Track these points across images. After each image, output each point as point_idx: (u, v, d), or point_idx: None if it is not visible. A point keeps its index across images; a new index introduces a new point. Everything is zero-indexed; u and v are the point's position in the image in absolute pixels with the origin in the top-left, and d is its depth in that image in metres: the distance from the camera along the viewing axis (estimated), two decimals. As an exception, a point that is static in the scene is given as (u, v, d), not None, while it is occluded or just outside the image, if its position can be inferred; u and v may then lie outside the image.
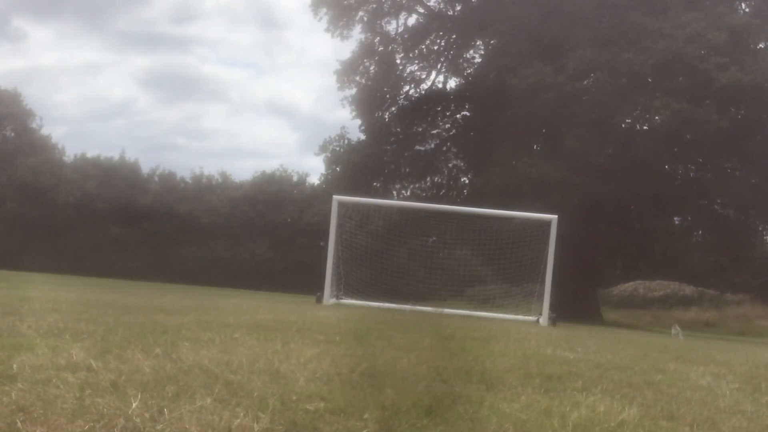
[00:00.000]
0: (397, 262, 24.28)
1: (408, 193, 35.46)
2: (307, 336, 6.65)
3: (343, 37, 33.92)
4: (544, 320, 18.22)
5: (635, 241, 32.17)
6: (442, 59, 35.44)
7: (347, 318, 11.11)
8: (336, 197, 20.52)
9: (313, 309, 14.36)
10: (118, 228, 43.69)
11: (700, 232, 35.30)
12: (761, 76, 26.08)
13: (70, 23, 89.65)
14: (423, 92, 35.15)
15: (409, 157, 34.50)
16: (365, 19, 34.01)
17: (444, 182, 36.02)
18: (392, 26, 34.90)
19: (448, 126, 35.97)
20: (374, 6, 33.92)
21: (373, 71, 34.14)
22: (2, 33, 77.07)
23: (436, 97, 35.18)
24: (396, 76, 34.68)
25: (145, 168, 47.79)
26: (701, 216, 33.04)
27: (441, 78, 35.84)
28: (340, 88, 34.33)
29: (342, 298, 19.15)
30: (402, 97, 34.98)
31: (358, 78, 34.09)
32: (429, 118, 35.10)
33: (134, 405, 2.91)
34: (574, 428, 3.28)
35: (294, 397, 3.33)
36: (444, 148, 35.83)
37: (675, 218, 34.63)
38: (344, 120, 73.64)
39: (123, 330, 5.77)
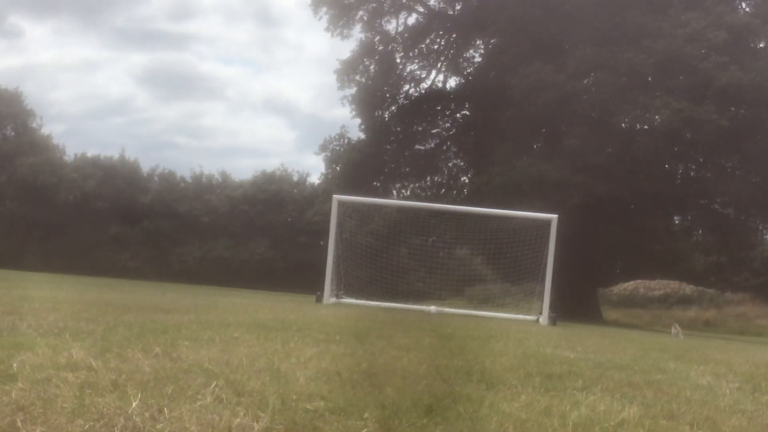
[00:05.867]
0: (397, 261, 24.30)
1: (408, 193, 35.49)
2: (307, 335, 6.65)
3: (343, 37, 33.96)
4: (544, 319, 18.22)
5: (635, 240, 32.17)
6: (442, 58, 35.43)
7: (347, 317, 11.12)
8: (336, 196, 20.53)
9: (313, 308, 14.37)
10: (118, 227, 43.73)
11: (700, 231, 35.32)
12: (761, 75, 26.08)
13: (67, 20, 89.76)
14: (423, 91, 35.16)
15: (409, 156, 34.51)
16: (365, 18, 34.01)
17: (444, 181, 36.04)
18: (392, 25, 34.94)
19: (448, 125, 35.98)
20: (374, 5, 33.91)
21: (373, 70, 34.13)
22: None
23: (436, 96, 35.19)
24: (396, 75, 34.68)
25: (145, 167, 47.88)
26: (701, 215, 33.04)
27: (441, 77, 35.90)
28: (340, 88, 34.36)
29: (342, 298, 19.16)
30: (402, 96, 34.97)
31: (358, 77, 34.08)
32: (429, 118, 35.10)
33: (134, 404, 2.91)
34: (574, 427, 3.28)
35: (294, 397, 3.33)
36: (444, 148, 35.84)
37: (675, 217, 34.65)
38: (343, 118, 73.75)
39: (123, 329, 5.77)
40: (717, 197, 31.44)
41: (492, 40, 33.61)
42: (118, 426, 2.66)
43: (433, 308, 18.03)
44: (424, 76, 35.39)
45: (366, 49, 34.12)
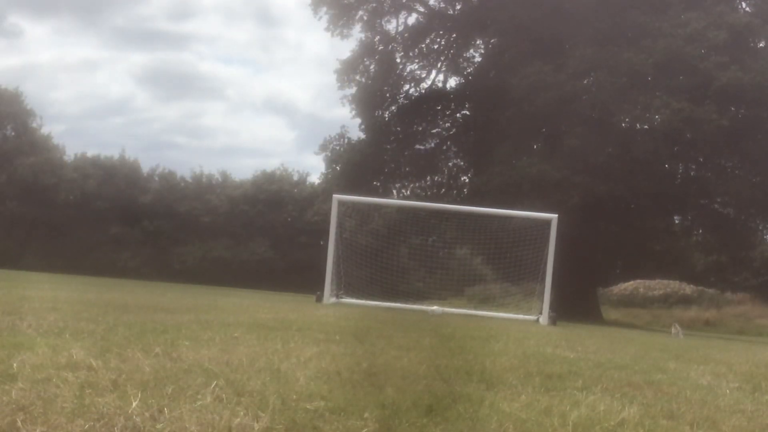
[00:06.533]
0: (397, 261, 24.31)
1: (408, 192, 35.45)
2: (307, 335, 6.65)
3: (343, 36, 33.93)
4: (544, 319, 18.22)
5: (635, 240, 32.15)
6: (442, 58, 35.42)
7: (347, 317, 11.12)
8: (336, 196, 20.53)
9: (313, 308, 14.37)
10: (118, 227, 43.75)
11: (700, 231, 35.30)
12: (761, 75, 26.07)
13: (67, 20, 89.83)
14: (423, 91, 35.13)
15: (409, 156, 34.48)
16: (365, 18, 33.99)
17: (444, 181, 36.00)
18: (392, 25, 34.91)
19: (448, 125, 35.96)
20: (374, 5, 33.89)
21: (373, 70, 34.11)
22: (-1, 30, 77.21)
23: (436, 96, 35.16)
24: (396, 75, 34.65)
25: (145, 167, 47.92)
26: (701, 215, 33.02)
27: (441, 77, 35.88)
28: (340, 87, 34.34)
29: (342, 297, 19.16)
30: (402, 96, 34.95)
31: (358, 77, 34.06)
32: (429, 117, 35.08)
33: (134, 404, 2.91)
34: (574, 427, 3.28)
35: (294, 396, 3.34)
36: (444, 147, 35.82)
37: (675, 217, 34.63)
38: (342, 118, 73.85)
39: (123, 329, 5.77)
40: (717, 197, 31.41)
41: (492, 40, 33.59)
42: (118, 426, 2.66)
43: (435, 308, 18.01)
44: (424, 76, 35.40)
45: (366, 49, 34.10)
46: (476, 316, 18.19)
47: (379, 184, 34.11)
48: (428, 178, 36.01)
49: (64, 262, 38.50)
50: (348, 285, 19.82)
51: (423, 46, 34.98)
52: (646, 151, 27.22)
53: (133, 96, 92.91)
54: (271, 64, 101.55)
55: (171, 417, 2.80)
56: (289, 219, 45.70)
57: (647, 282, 42.08)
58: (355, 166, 32.17)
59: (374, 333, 7.78)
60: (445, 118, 36.01)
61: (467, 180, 35.43)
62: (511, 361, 5.81)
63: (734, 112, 28.13)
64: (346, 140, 34.25)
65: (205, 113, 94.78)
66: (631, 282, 42.40)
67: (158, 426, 2.69)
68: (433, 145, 35.43)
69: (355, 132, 34.74)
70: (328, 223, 20.25)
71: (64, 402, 2.90)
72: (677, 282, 41.54)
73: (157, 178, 47.71)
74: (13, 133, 47.49)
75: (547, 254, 19.21)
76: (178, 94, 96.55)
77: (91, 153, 47.60)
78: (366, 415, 3.08)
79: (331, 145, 34.16)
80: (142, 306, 9.76)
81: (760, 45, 29.37)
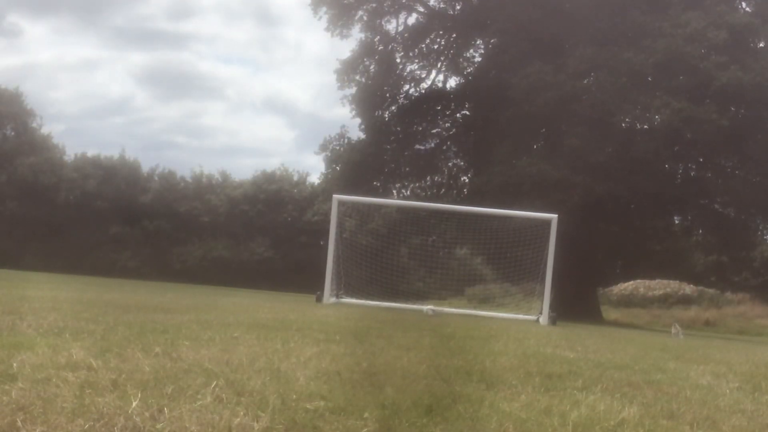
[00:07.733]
0: (397, 261, 24.32)
1: (408, 192, 35.47)
2: (307, 335, 6.66)
3: (343, 36, 33.93)
4: (544, 319, 18.23)
5: (635, 240, 32.14)
6: (442, 58, 35.42)
7: (347, 317, 11.12)
8: (336, 196, 20.53)
9: (313, 308, 14.37)
10: (118, 227, 43.75)
11: (700, 231, 35.32)
12: (761, 75, 26.07)
13: (67, 19, 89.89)
14: (423, 91, 35.15)
15: (409, 156, 34.49)
16: (365, 18, 33.99)
17: (444, 181, 36.02)
18: (392, 25, 34.91)
19: (448, 125, 35.96)
20: (374, 5, 33.88)
21: (373, 70, 34.12)
22: (-1, 30, 77.23)
23: (436, 96, 35.17)
24: (396, 75, 34.66)
25: (145, 167, 47.91)
26: (701, 215, 33.03)
27: (441, 77, 35.89)
28: (340, 87, 34.34)
29: (342, 297, 19.16)
30: (402, 96, 34.96)
31: (358, 77, 34.07)
32: (429, 117, 35.09)
33: (134, 404, 2.91)
34: (574, 427, 3.28)
35: (294, 396, 3.34)
36: (444, 147, 35.83)
37: (675, 217, 34.65)
38: (342, 117, 73.85)
39: (123, 329, 5.77)
40: (717, 197, 31.42)
41: (492, 40, 33.59)
42: (118, 426, 2.66)
43: (428, 308, 17.97)
44: (424, 76, 35.40)
45: (366, 49, 34.10)
46: (476, 316, 18.19)
47: (379, 184, 34.11)
48: (428, 178, 36.01)
49: (64, 262, 38.51)
50: (348, 285, 19.83)
51: (423, 46, 34.98)
52: (646, 151, 27.22)
53: (133, 96, 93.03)
54: (271, 64, 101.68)
55: (171, 417, 2.80)
56: (289, 219, 45.71)
57: (647, 282, 42.08)
58: (355, 166, 32.17)
59: (374, 333, 7.79)
60: (445, 118, 36.02)
61: (467, 180, 35.44)
62: (511, 361, 5.81)
63: (734, 112, 28.13)
64: (346, 140, 34.27)
65: (205, 113, 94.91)
66: (631, 282, 42.40)
67: (158, 426, 2.69)
68: (433, 145, 35.44)
69: (355, 132, 34.80)
70: (328, 223, 20.25)
71: (64, 402, 2.90)
72: (677, 282, 41.53)
73: (157, 178, 47.71)
74: (13, 133, 47.49)
75: (547, 254, 19.21)
76: (178, 94, 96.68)
77: (91, 153, 47.65)
78: (366, 415, 3.08)
79: (331, 145, 34.18)
80: (141, 306, 9.76)
81: (760, 45, 29.37)
